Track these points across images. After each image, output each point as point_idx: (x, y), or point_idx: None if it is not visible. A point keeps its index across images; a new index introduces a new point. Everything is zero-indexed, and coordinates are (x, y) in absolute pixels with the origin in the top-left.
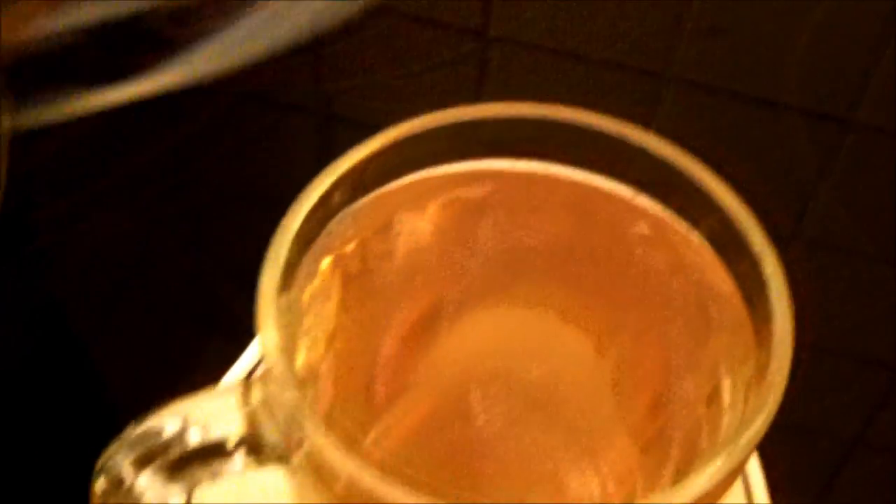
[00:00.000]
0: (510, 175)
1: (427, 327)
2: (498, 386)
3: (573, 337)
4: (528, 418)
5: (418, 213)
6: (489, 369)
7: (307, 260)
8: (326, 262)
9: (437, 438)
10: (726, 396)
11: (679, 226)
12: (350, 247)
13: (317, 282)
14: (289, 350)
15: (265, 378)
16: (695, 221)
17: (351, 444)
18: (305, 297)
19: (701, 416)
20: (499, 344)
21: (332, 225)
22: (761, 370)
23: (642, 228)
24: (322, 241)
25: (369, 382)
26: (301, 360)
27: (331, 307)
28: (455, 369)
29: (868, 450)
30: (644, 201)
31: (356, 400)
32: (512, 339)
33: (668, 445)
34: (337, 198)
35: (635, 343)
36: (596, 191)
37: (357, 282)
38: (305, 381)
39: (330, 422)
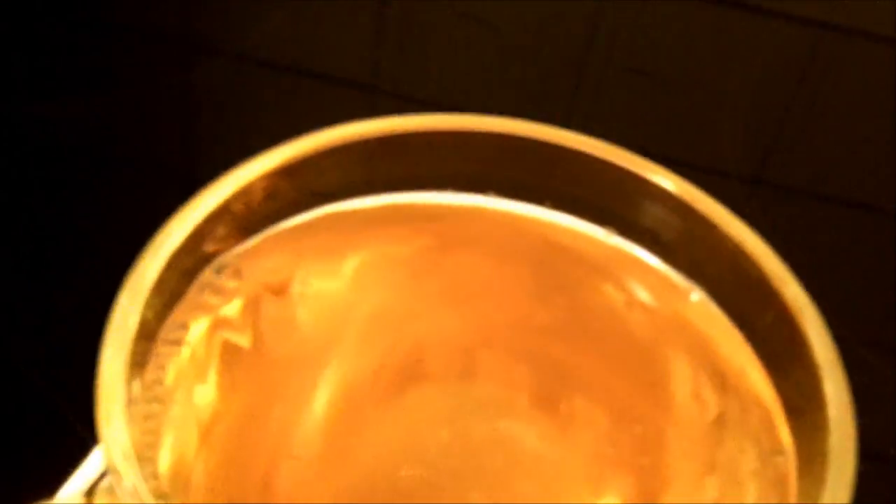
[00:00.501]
0: (450, 215)
1: (340, 415)
2: (433, 487)
3: (528, 424)
4: None
5: (329, 269)
6: (422, 469)
7: (171, 323)
8: (201, 327)
9: None
10: None
11: (674, 279)
12: (234, 306)
13: (186, 352)
14: (148, 450)
15: (114, 489)
16: (695, 271)
17: None
18: (170, 374)
19: None
20: (435, 435)
21: (207, 275)
22: (807, 487)
23: (624, 285)
24: (192, 297)
25: (264, 488)
26: (167, 459)
27: (208, 387)
28: (381, 466)
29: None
30: (627, 247)
31: None
32: (454, 429)
33: None
34: (212, 239)
35: (612, 432)
36: (565, 235)
37: (245, 354)
38: (172, 490)
39: None
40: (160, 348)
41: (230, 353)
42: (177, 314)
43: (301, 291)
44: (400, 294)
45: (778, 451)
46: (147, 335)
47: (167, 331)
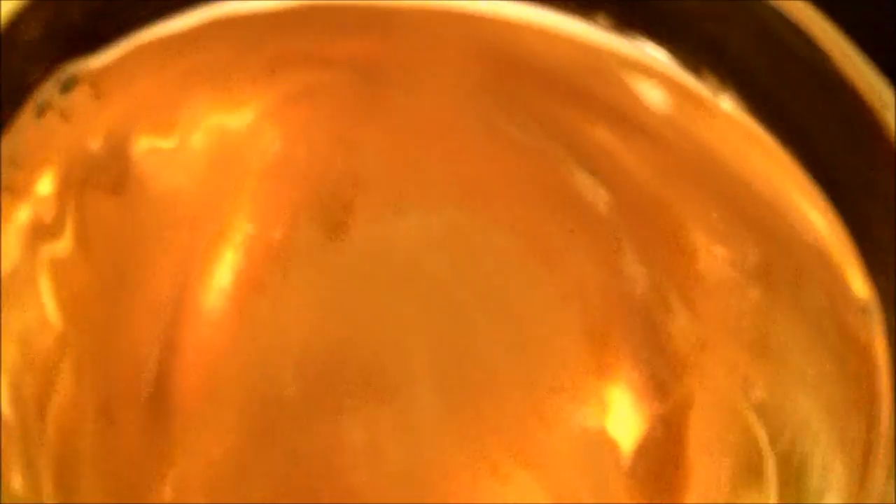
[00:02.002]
0: (388, 21)
1: (250, 278)
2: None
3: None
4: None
5: (225, 100)
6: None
7: None
8: (46, 166)
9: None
10: None
11: (691, 85)
12: (96, 141)
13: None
14: None
15: None
16: (724, 67)
17: None
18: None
19: None
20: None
21: (48, 90)
22: None
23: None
24: (27, 122)
25: (147, 382)
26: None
27: (62, 244)
28: (311, 334)
29: None
30: (625, 47)
31: (125, 421)
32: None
33: None
34: (46, 42)
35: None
36: (538, 42)
37: (113, 201)
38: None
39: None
40: None
41: (92, 201)
42: (6, 145)
43: (189, 128)
44: (318, 139)
45: (850, 306)
46: None
47: None
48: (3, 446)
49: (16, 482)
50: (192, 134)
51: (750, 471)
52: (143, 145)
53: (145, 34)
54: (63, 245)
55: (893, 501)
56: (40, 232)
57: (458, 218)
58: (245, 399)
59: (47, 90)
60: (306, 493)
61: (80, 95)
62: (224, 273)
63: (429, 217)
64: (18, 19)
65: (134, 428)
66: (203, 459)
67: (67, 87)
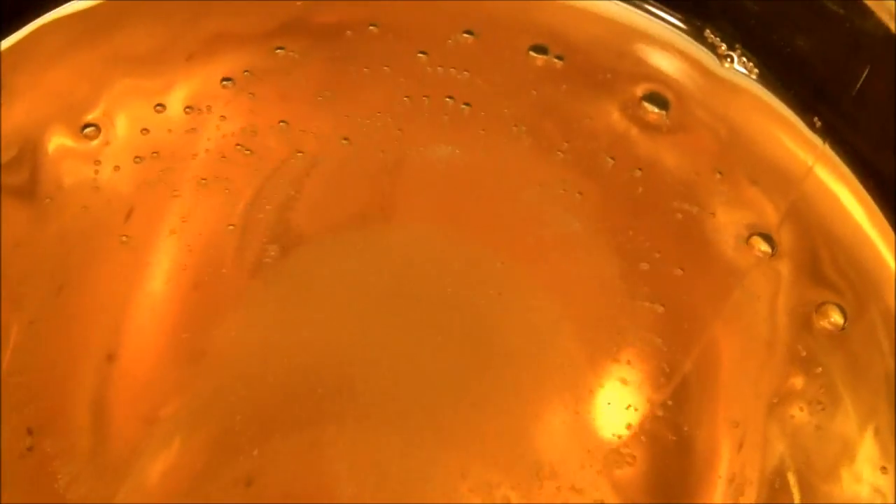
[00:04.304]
0: None
1: (190, 298)
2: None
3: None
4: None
5: (152, 87)
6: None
7: None
8: None
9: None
10: None
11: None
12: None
13: None
14: None
15: None
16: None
17: None
18: None
19: None
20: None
21: None
22: None
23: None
24: None
25: (83, 405)
26: None
27: None
28: (267, 349)
29: None
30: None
31: (59, 444)
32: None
33: None
34: None
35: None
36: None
37: (24, 213)
38: None
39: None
40: None
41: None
42: None
43: (111, 118)
44: (266, 125)
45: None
46: None
47: None
48: None
49: None
50: (114, 125)
51: None
52: (56, 141)
53: (51, 13)
54: None
55: None
56: None
57: (424, 227)
58: (192, 423)
59: None
60: None
61: None
62: (165, 282)
63: (400, 225)
64: None
65: (70, 452)
66: (144, 487)
67: None
